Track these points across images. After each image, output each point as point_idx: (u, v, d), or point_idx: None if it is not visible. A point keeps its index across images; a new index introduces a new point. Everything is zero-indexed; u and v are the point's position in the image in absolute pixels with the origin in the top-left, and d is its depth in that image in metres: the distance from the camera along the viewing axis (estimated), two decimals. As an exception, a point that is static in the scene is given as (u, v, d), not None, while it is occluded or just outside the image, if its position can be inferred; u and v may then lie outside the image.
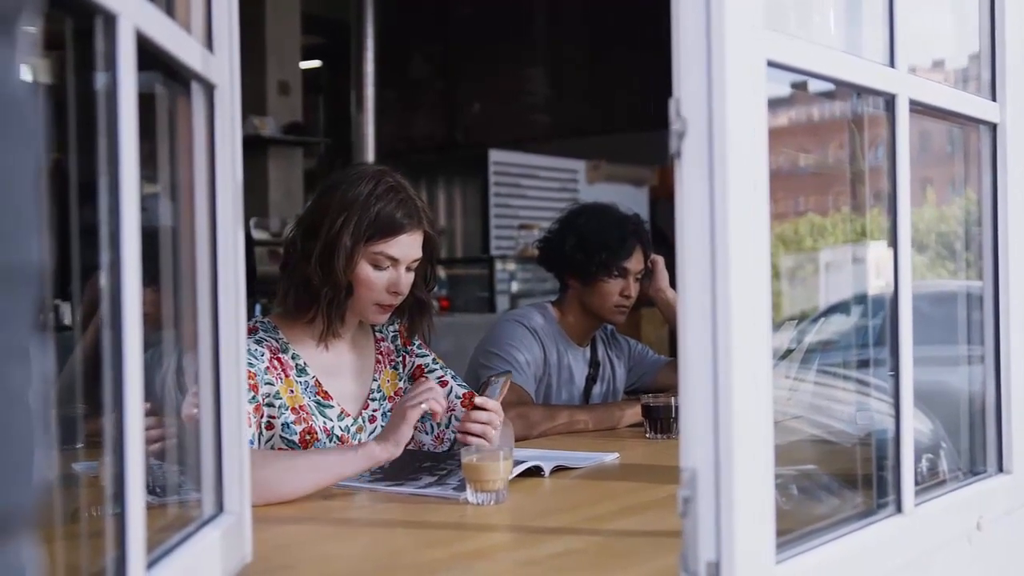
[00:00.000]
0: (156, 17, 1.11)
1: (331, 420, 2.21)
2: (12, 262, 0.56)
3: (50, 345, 0.62)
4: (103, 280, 1.01)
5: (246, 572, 1.42)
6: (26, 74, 0.59)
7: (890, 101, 1.51)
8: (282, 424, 2.14)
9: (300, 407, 2.17)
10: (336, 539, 1.71)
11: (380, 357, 2.37)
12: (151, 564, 1.10)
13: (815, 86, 1.55)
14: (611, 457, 2.34)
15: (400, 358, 2.40)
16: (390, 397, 2.34)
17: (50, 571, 1.00)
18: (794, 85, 1.48)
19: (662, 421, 2.64)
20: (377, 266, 2.18)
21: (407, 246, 2.19)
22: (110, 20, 1.00)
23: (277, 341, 2.21)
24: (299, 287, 2.19)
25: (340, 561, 1.59)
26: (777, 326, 1.33)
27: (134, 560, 1.02)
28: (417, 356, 2.41)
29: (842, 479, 1.73)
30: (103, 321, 1.04)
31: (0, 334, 0.56)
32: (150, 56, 1.11)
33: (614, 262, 2.97)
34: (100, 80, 1.03)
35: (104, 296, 1.02)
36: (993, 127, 1.81)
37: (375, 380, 2.33)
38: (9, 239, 0.56)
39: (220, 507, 1.38)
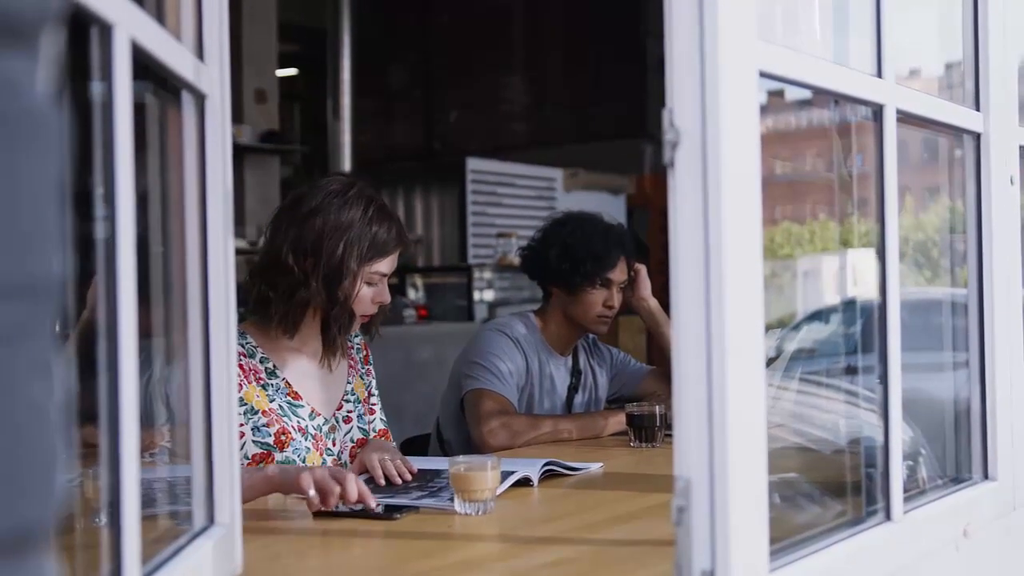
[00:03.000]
0: (150, 27, 1.11)
1: (303, 419, 2.27)
2: (35, 275, 0.56)
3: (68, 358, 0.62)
4: (99, 290, 1.01)
5: (236, 584, 1.41)
6: (48, 86, 0.59)
7: (878, 111, 1.52)
8: (253, 428, 2.19)
9: (270, 410, 2.22)
10: (325, 551, 1.70)
11: (352, 363, 2.45)
12: (145, 577, 1.09)
13: (791, 94, 1.55)
14: (596, 467, 2.34)
15: (365, 369, 2.50)
16: (363, 401, 2.44)
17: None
18: (770, 92, 1.48)
19: (646, 430, 2.64)
20: (370, 283, 2.29)
21: (394, 261, 2.33)
22: (106, 30, 0.99)
23: (243, 346, 2.25)
24: (300, 308, 2.25)
25: (329, 573, 1.59)
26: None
27: (130, 572, 1.01)
28: (372, 376, 2.53)
29: (828, 487, 1.74)
30: (91, 330, 1.03)
31: (23, 347, 0.55)
32: (142, 65, 1.11)
33: (599, 273, 2.97)
34: (94, 89, 1.02)
35: (99, 307, 1.01)
36: (977, 136, 1.82)
37: (349, 383, 2.42)
38: (33, 252, 0.56)
39: (211, 519, 1.37)
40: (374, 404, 2.50)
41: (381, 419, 2.51)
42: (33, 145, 0.56)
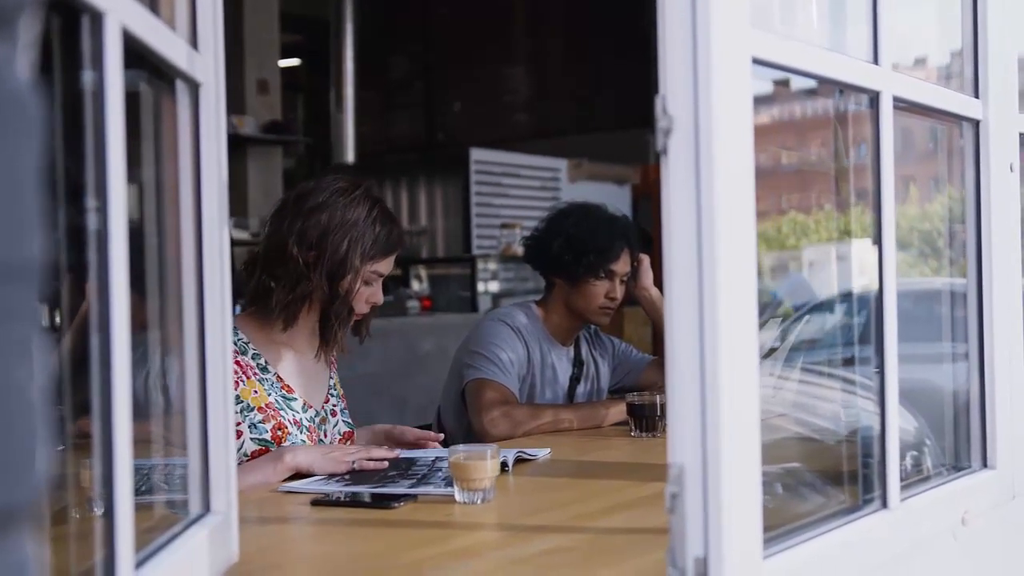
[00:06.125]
0: (142, 15, 1.11)
1: (297, 412, 2.30)
2: (15, 258, 0.56)
3: (49, 342, 0.63)
4: (90, 282, 1.01)
5: (233, 572, 1.41)
6: (26, 72, 0.59)
7: (874, 98, 1.52)
8: (250, 426, 2.20)
9: (267, 405, 2.25)
10: (322, 539, 1.70)
11: (333, 360, 2.48)
12: (139, 564, 1.10)
13: (797, 83, 1.55)
14: (544, 452, 2.37)
15: (337, 367, 2.53)
16: (342, 395, 2.48)
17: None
18: (776, 82, 1.48)
19: (647, 419, 2.64)
20: (367, 282, 2.31)
21: (392, 263, 2.36)
22: (97, 18, 0.99)
23: (235, 343, 2.26)
24: (300, 300, 2.27)
25: (327, 561, 1.59)
26: (761, 324, 1.34)
27: (123, 560, 1.01)
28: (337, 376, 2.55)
29: (827, 476, 1.74)
30: (89, 323, 1.03)
31: (4, 329, 0.56)
32: (135, 54, 1.11)
33: (601, 264, 2.97)
34: (85, 78, 1.02)
35: (90, 298, 1.01)
36: (976, 123, 1.81)
37: (331, 378, 2.46)
38: (12, 235, 0.56)
39: (207, 507, 1.37)
40: (335, 406, 2.52)
41: (346, 422, 2.51)
42: (12, 130, 0.56)
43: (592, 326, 3.17)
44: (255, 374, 2.26)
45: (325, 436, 2.36)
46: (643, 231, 3.23)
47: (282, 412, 2.26)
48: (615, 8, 8.85)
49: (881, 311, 1.52)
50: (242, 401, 2.20)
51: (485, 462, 1.86)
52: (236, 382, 2.20)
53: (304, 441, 2.26)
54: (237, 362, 2.23)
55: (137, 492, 1.15)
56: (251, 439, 2.20)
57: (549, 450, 2.40)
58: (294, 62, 9.85)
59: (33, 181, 0.58)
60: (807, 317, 2.43)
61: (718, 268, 1.15)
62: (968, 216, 1.84)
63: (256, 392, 2.24)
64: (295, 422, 2.27)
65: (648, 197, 8.36)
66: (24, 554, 0.57)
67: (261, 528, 1.70)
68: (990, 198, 1.81)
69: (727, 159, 1.17)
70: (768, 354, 2.19)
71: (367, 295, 2.32)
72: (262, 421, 2.22)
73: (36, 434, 0.58)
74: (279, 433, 2.23)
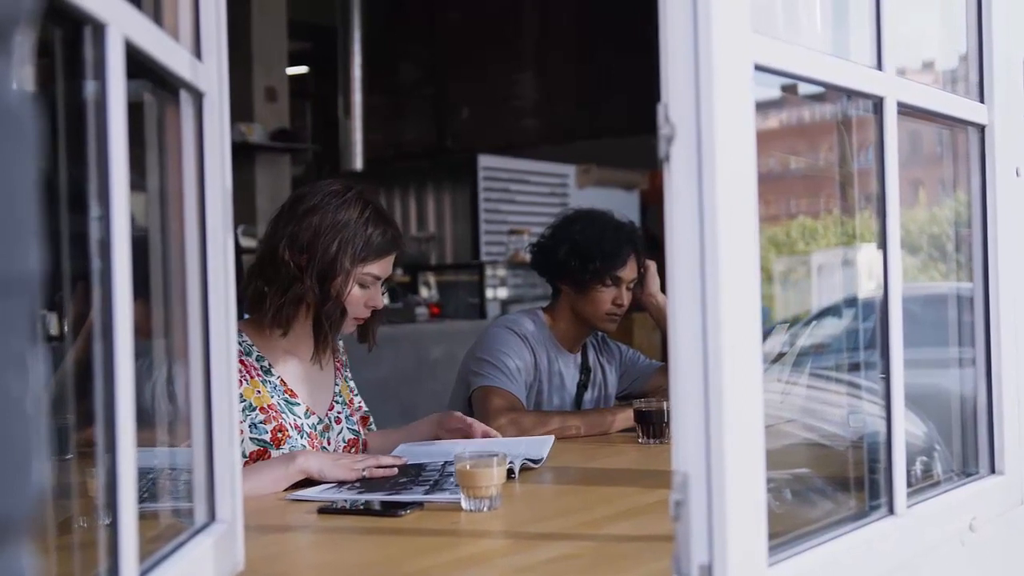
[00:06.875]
0: (145, 26, 1.11)
1: (299, 417, 2.30)
2: (11, 271, 0.56)
3: (45, 354, 0.63)
4: (94, 290, 1.01)
5: (239, 581, 1.41)
6: (22, 84, 0.59)
7: (878, 104, 1.52)
8: (250, 425, 2.21)
9: (269, 406, 2.26)
10: (329, 548, 1.70)
11: (338, 366, 2.49)
12: (143, 573, 1.10)
13: (805, 88, 1.55)
14: (548, 440, 2.42)
15: (347, 372, 2.53)
16: (348, 403, 2.47)
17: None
18: (784, 88, 1.48)
19: (654, 426, 2.64)
20: (362, 285, 2.31)
21: (389, 265, 2.35)
22: (99, 29, 0.99)
23: (240, 344, 2.27)
24: (293, 304, 2.27)
25: (333, 569, 1.59)
26: (769, 329, 1.33)
27: (127, 569, 1.01)
28: (351, 379, 2.55)
29: (835, 481, 1.73)
30: (94, 331, 1.03)
31: (0, 341, 0.56)
32: (138, 64, 1.11)
33: (608, 271, 2.97)
34: (88, 88, 1.02)
35: (95, 306, 1.01)
36: (981, 128, 1.81)
37: (336, 385, 2.45)
38: (8, 248, 0.56)
39: (212, 516, 1.37)
40: (360, 402, 2.53)
41: (351, 428, 2.50)
42: (8, 143, 0.57)
43: (599, 332, 3.17)
44: (258, 375, 2.27)
45: (328, 443, 2.35)
46: (651, 237, 3.22)
47: (284, 415, 2.26)
48: (622, 13, 8.84)
49: (887, 316, 1.52)
50: (244, 400, 2.21)
51: (491, 470, 1.85)
52: (239, 380, 2.20)
53: (304, 446, 2.26)
54: (241, 362, 2.24)
55: (141, 499, 1.15)
56: (251, 439, 2.21)
57: (552, 437, 2.43)
58: (302, 69, 9.85)
59: (30, 194, 0.58)
60: (815, 322, 2.43)
61: (720, 274, 1.15)
62: (974, 221, 1.84)
63: (259, 392, 2.25)
64: (296, 426, 2.27)
65: (657, 203, 8.35)
66: (21, 564, 0.57)
67: (267, 537, 1.69)
68: (996, 202, 1.81)
69: (729, 165, 1.17)
70: (776, 359, 2.18)
71: (365, 298, 2.31)
72: (263, 422, 2.22)
73: (32, 446, 0.58)
74: (279, 435, 2.23)
